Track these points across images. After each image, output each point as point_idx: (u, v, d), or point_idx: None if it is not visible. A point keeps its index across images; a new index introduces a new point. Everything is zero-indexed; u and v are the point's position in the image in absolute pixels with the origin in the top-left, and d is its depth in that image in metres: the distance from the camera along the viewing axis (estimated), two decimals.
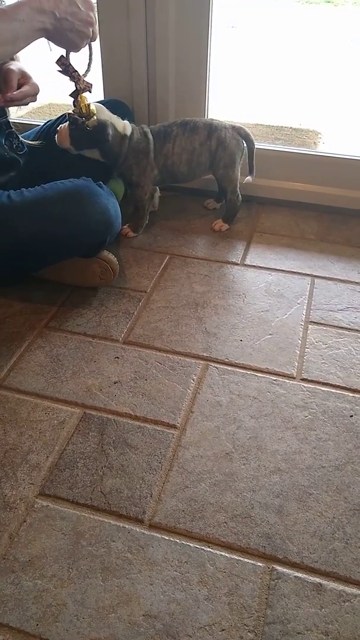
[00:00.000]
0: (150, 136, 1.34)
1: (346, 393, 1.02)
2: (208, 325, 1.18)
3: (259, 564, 0.76)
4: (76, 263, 1.24)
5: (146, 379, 1.05)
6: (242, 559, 0.77)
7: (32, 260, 1.22)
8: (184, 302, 1.24)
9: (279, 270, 1.36)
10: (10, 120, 1.28)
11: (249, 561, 0.77)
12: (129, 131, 1.31)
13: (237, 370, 1.07)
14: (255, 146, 1.43)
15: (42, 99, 1.35)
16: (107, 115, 1.26)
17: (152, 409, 0.99)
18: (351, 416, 0.98)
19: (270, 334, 1.15)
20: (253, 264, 1.38)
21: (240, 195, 1.48)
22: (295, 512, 0.83)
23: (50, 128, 1.41)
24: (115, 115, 1.30)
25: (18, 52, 1.03)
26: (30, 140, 1.37)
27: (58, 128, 1.28)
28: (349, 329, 1.17)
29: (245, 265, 1.38)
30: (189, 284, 1.30)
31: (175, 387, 1.03)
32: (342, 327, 1.17)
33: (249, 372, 1.07)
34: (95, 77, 1.46)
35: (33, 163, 1.33)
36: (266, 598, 0.73)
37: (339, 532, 0.80)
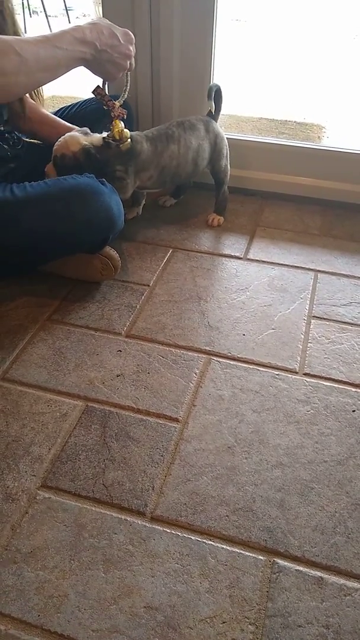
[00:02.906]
0: (141, 141, 1.29)
1: (349, 388, 1.02)
2: (211, 319, 1.18)
3: (260, 557, 0.77)
4: (78, 258, 1.24)
5: (149, 373, 1.05)
6: (243, 552, 0.77)
7: (34, 256, 1.22)
8: (187, 295, 1.24)
9: (282, 264, 1.35)
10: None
11: (250, 554, 0.77)
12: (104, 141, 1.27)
13: (240, 364, 1.07)
14: (256, 140, 1.45)
15: (46, 92, 1.36)
16: (81, 139, 1.24)
17: (155, 402, 0.99)
18: (353, 411, 0.98)
19: (273, 329, 1.15)
20: (256, 258, 1.38)
21: None
22: (296, 506, 0.83)
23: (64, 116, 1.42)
24: (91, 134, 1.28)
25: (56, 79, 1.05)
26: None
27: (46, 169, 1.28)
28: (352, 324, 1.17)
29: (249, 259, 1.37)
30: (192, 278, 1.30)
31: (177, 381, 1.03)
32: (345, 322, 1.17)
33: (251, 367, 1.06)
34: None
35: (34, 155, 1.33)
36: (267, 591, 0.73)
37: (340, 526, 0.80)
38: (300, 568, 0.76)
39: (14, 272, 1.28)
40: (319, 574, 0.75)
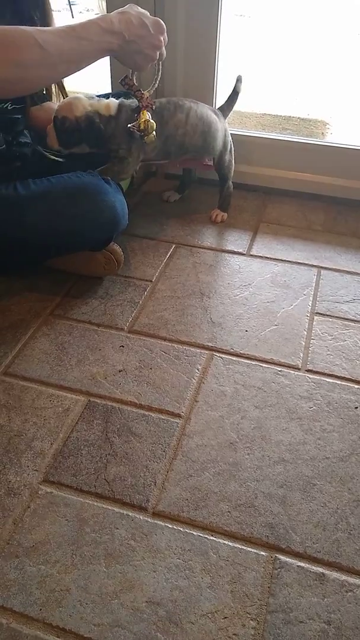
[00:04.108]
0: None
1: (351, 384, 1.02)
2: (213, 315, 1.17)
3: (262, 553, 0.77)
4: (81, 253, 1.23)
5: (151, 368, 1.05)
6: (245, 547, 0.77)
7: (37, 253, 1.22)
8: (190, 291, 1.24)
9: (285, 261, 1.35)
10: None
11: (252, 550, 0.77)
12: (114, 110, 1.21)
13: (242, 360, 1.07)
14: (259, 135, 1.44)
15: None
16: (87, 105, 1.20)
17: (157, 398, 0.99)
18: (356, 408, 0.98)
19: (276, 325, 1.15)
20: (259, 255, 1.37)
21: None
22: (298, 503, 0.83)
23: None
24: (97, 98, 1.24)
25: (80, 70, 1.03)
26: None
27: (47, 129, 1.24)
28: (355, 320, 1.16)
29: (252, 255, 1.37)
30: (195, 274, 1.30)
31: (180, 377, 1.03)
32: (348, 319, 1.17)
33: (254, 363, 1.06)
34: (103, 69, 1.45)
35: (42, 157, 1.31)
36: (269, 587, 0.73)
37: (342, 522, 0.80)
38: (302, 564, 0.76)
39: (17, 268, 1.28)
40: (320, 570, 0.75)
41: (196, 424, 0.94)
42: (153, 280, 1.27)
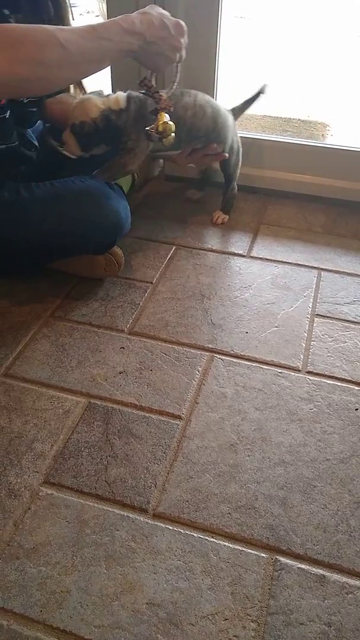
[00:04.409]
0: (149, 101, 1.21)
1: (351, 386, 1.02)
2: (214, 316, 1.17)
3: (263, 554, 0.77)
4: (82, 255, 1.23)
5: (151, 370, 1.05)
6: (245, 549, 0.77)
7: (39, 256, 1.22)
8: (190, 293, 1.24)
9: (285, 262, 1.35)
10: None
11: (253, 552, 0.77)
12: (123, 104, 1.19)
13: (243, 362, 1.07)
14: (259, 137, 1.44)
15: None
16: (99, 104, 1.18)
17: (157, 400, 0.99)
18: (356, 409, 0.98)
19: (276, 327, 1.15)
20: (259, 256, 1.37)
21: None
22: (299, 504, 0.83)
23: None
24: (106, 95, 1.22)
25: (100, 70, 1.02)
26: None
27: (63, 139, 1.21)
28: (355, 322, 1.16)
29: (252, 257, 1.37)
30: (195, 275, 1.30)
31: (180, 378, 1.03)
32: (348, 321, 1.17)
33: (254, 364, 1.06)
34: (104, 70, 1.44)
35: (47, 163, 1.30)
36: (269, 589, 0.73)
37: (342, 524, 0.80)
38: (303, 566, 0.76)
39: (19, 270, 1.28)
40: (321, 571, 0.75)
41: (196, 425, 0.94)
42: (153, 281, 1.27)
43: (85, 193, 1.15)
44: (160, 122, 1.13)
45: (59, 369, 1.04)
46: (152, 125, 1.14)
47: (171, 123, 1.13)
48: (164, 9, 1.40)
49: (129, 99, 1.20)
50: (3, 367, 1.04)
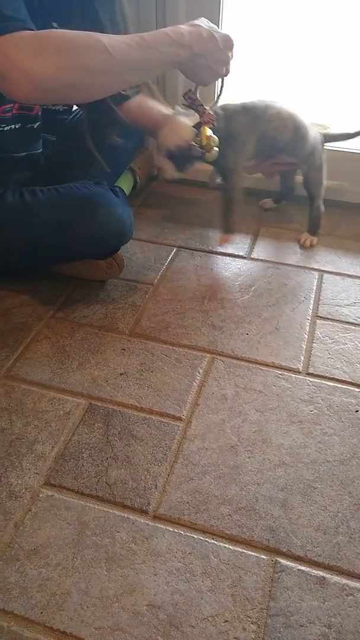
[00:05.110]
0: (235, 115, 1.21)
1: (352, 388, 1.02)
2: (214, 318, 1.18)
3: (263, 556, 0.77)
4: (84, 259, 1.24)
5: (152, 371, 1.05)
6: (245, 551, 0.77)
7: (41, 260, 1.22)
8: (191, 295, 1.24)
9: (286, 264, 1.35)
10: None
11: (253, 554, 0.77)
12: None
13: (243, 363, 1.07)
14: None
15: None
16: (190, 123, 1.16)
17: (158, 401, 0.99)
18: (357, 411, 0.98)
19: (277, 328, 1.15)
20: (260, 258, 1.37)
21: None
22: (299, 506, 0.83)
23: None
24: (183, 111, 1.20)
25: (146, 80, 1.01)
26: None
27: (157, 165, 1.21)
28: (356, 324, 1.16)
29: (252, 259, 1.37)
30: (196, 277, 1.30)
31: (181, 380, 1.03)
32: (349, 322, 1.17)
33: (254, 366, 1.06)
34: None
35: (53, 169, 1.30)
36: (269, 590, 0.73)
37: (343, 526, 0.80)
38: (303, 568, 0.76)
39: (20, 272, 1.28)
40: (321, 573, 0.75)
41: (197, 427, 0.94)
42: (154, 283, 1.28)
43: (90, 200, 1.14)
44: (204, 136, 1.12)
45: (60, 370, 1.04)
46: (196, 140, 1.14)
47: (214, 137, 1.13)
48: (164, 8, 1.41)
49: (215, 114, 1.20)
50: (4, 369, 1.04)
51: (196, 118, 1.15)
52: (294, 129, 1.28)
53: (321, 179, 1.37)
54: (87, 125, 1.18)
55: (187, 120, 1.15)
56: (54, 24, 1.01)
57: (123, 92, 1.19)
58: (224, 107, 1.22)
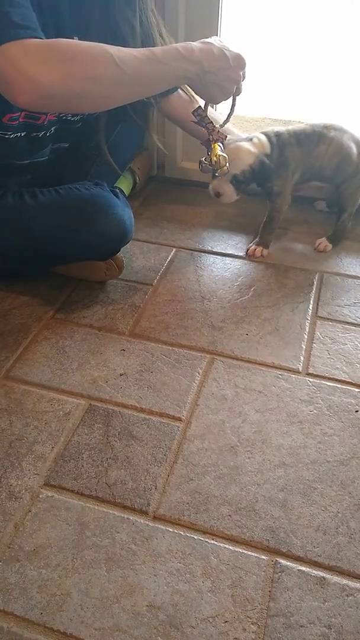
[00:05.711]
0: (291, 143, 1.26)
1: (352, 388, 1.02)
2: (214, 318, 1.18)
3: (263, 557, 0.77)
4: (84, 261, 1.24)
5: (152, 372, 1.05)
6: (245, 551, 0.77)
7: (41, 261, 1.22)
8: (190, 295, 1.24)
9: (286, 264, 1.35)
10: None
11: (253, 554, 0.77)
12: (268, 148, 1.24)
13: (243, 364, 1.07)
14: None
15: None
16: (251, 148, 1.21)
17: (158, 402, 0.99)
18: (356, 411, 0.98)
19: (277, 329, 1.15)
20: (260, 258, 1.37)
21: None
22: (299, 506, 0.83)
23: None
24: (244, 138, 1.25)
25: (154, 94, 1.01)
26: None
27: (215, 192, 1.25)
28: (356, 324, 1.16)
29: (252, 259, 1.37)
30: (196, 278, 1.30)
31: (180, 380, 1.03)
32: (349, 323, 1.17)
33: (254, 366, 1.06)
34: None
35: (55, 172, 1.29)
36: (269, 591, 0.73)
37: (343, 526, 0.80)
38: (303, 568, 0.76)
39: (20, 273, 1.28)
40: (321, 574, 0.75)
41: (197, 427, 0.94)
42: (154, 284, 1.28)
43: (90, 201, 1.14)
44: (214, 154, 1.13)
45: (60, 371, 1.04)
46: (206, 157, 1.15)
47: (225, 154, 1.14)
48: (163, 9, 1.41)
49: (271, 145, 1.24)
50: (4, 370, 1.04)
51: (259, 145, 1.21)
52: (337, 165, 1.30)
53: (356, 194, 1.36)
54: (102, 124, 1.21)
55: (248, 144, 1.21)
56: (75, 38, 1.01)
57: None
58: (277, 135, 1.26)
